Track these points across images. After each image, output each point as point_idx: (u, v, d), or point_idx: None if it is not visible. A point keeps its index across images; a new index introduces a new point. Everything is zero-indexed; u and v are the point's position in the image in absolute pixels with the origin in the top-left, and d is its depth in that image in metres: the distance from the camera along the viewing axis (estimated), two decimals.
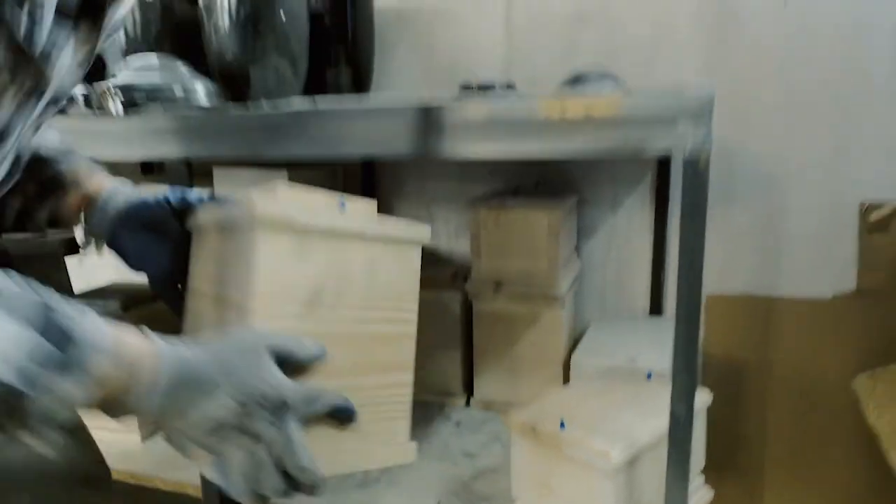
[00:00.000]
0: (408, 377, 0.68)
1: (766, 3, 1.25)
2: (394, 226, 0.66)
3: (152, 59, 1.07)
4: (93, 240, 0.74)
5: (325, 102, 0.97)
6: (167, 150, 0.90)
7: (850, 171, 1.25)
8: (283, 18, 1.05)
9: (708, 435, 1.04)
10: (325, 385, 0.53)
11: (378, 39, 1.39)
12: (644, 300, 1.40)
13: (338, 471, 0.61)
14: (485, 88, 1.02)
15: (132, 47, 1.20)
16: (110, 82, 0.97)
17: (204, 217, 0.70)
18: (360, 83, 1.35)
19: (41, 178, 0.72)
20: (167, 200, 0.72)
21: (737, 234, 1.34)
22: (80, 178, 0.73)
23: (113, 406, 0.46)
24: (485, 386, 1.30)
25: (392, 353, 0.66)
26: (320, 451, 0.51)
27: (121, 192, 0.73)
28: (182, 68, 1.06)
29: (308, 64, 1.14)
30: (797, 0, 1.23)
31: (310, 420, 0.52)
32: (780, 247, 1.32)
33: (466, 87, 1.03)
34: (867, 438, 1.09)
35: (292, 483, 0.50)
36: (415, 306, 0.68)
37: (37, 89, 0.48)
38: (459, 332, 1.31)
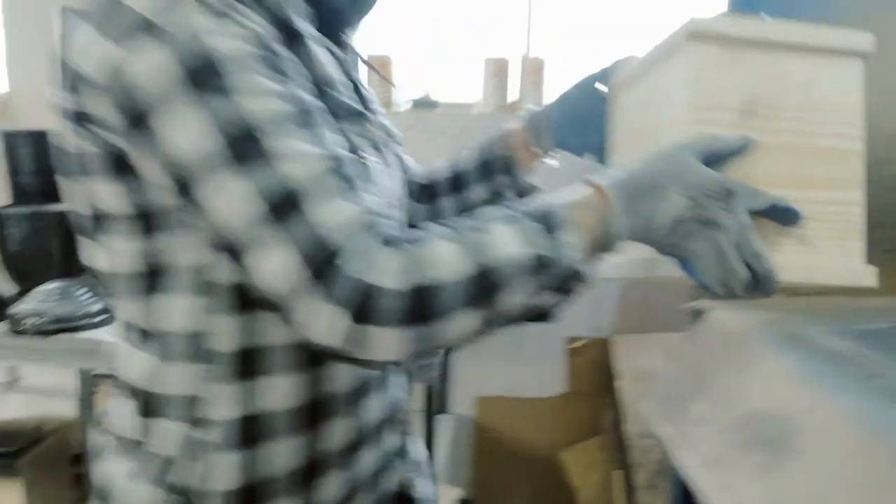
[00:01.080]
0: (857, 195, 0.66)
1: None
2: (831, 35, 0.65)
3: None
4: (546, 152, 0.86)
5: None
6: None
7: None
8: None
9: None
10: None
11: None
12: None
13: (790, 279, 0.60)
14: None
15: None
16: None
17: (618, 78, 0.78)
18: None
19: (468, 179, 0.86)
20: (589, 77, 0.82)
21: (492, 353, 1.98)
22: (499, 139, 0.86)
23: (602, 243, 0.56)
24: None
25: (836, 169, 0.64)
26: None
27: (541, 107, 0.85)
28: None
29: None
30: None
31: (753, 214, 0.56)
32: (522, 365, 2.00)
33: None
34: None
35: (752, 274, 0.56)
36: (859, 121, 0.65)
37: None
38: None
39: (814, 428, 0.80)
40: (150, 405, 0.59)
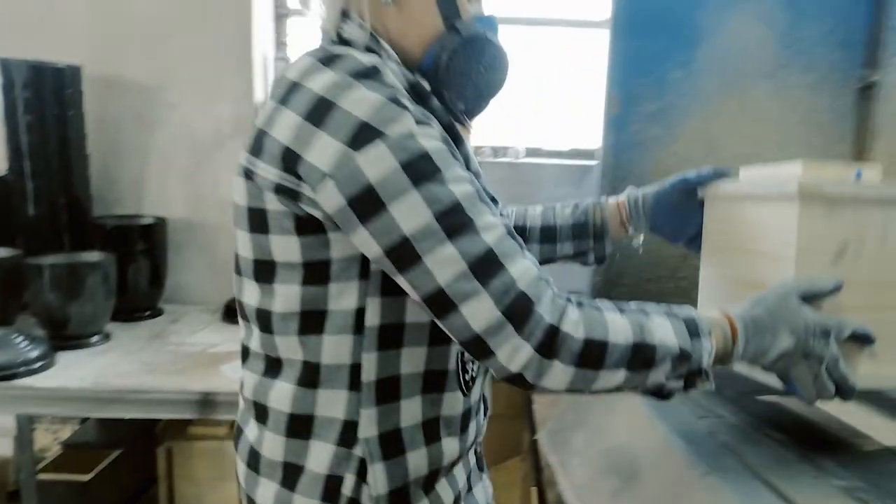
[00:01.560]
0: None
1: None
2: None
3: None
4: (638, 233, 0.95)
5: None
6: None
7: None
8: None
9: None
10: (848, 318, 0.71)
11: (172, 241, 1.84)
12: None
13: (864, 386, 0.73)
14: None
15: None
16: None
17: (718, 189, 0.87)
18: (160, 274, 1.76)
19: (563, 235, 0.95)
20: (684, 180, 0.91)
21: None
22: (595, 208, 0.95)
23: (721, 358, 0.67)
24: None
25: None
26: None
27: (639, 192, 0.94)
28: None
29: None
30: None
31: (840, 342, 0.70)
32: None
33: None
34: None
35: (837, 388, 0.70)
36: None
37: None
38: None
39: (653, 462, 0.97)
40: (301, 429, 0.68)
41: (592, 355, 0.61)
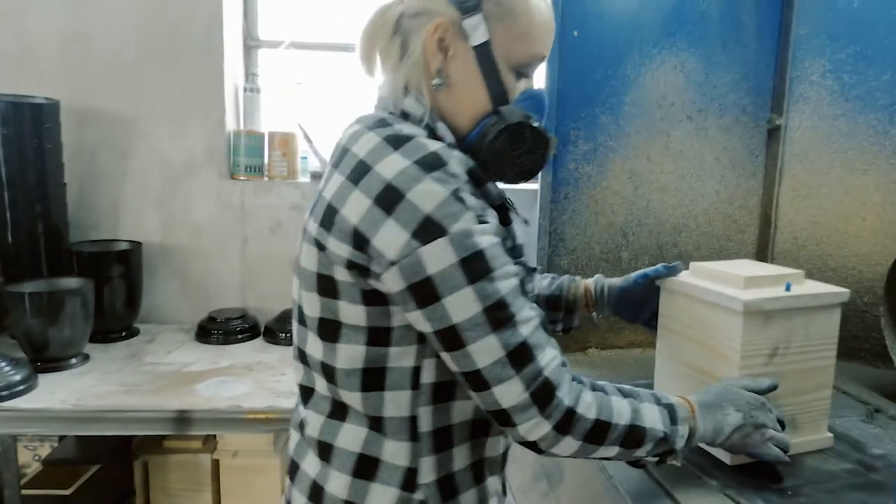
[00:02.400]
0: (828, 392, 1.00)
1: None
2: (825, 294, 0.97)
3: None
4: (598, 314, 1.09)
5: None
6: None
7: None
8: None
9: None
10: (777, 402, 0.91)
11: (146, 264, 1.94)
12: None
13: (790, 452, 0.91)
14: None
15: None
16: None
17: (674, 284, 1.04)
18: (135, 296, 1.86)
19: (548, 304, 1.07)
20: (645, 276, 1.06)
21: None
22: (571, 286, 1.08)
23: (691, 439, 0.80)
24: None
25: (819, 379, 0.99)
26: None
27: (605, 282, 1.08)
28: None
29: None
30: None
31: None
32: None
33: None
34: None
35: (779, 448, 0.85)
36: (835, 345, 0.99)
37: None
38: None
39: (575, 469, 1.12)
40: (366, 470, 0.75)
41: (598, 433, 0.73)
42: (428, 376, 0.74)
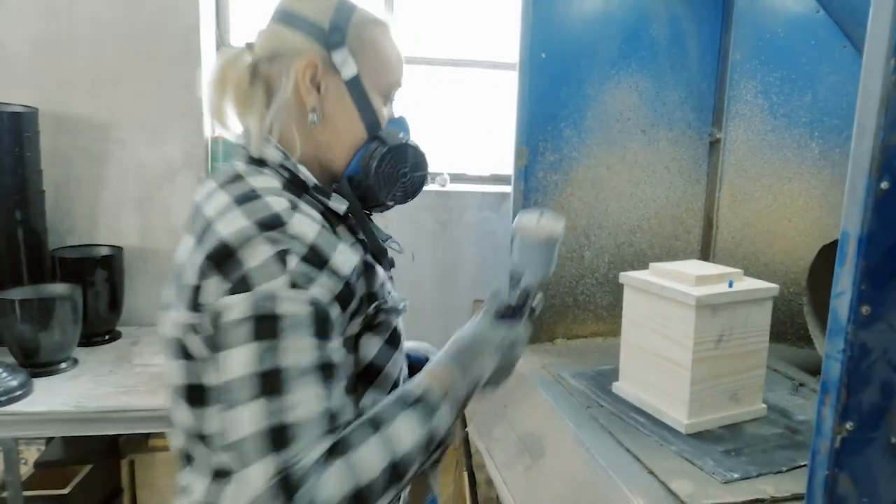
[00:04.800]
0: (762, 371, 1.20)
1: None
2: (759, 289, 1.16)
3: None
4: None
5: None
6: None
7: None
8: None
9: None
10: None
11: (127, 268, 1.98)
12: None
13: (729, 422, 1.15)
14: None
15: None
16: None
17: (637, 282, 1.22)
18: (117, 299, 1.92)
19: None
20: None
21: None
22: None
23: (455, 407, 0.72)
24: None
25: (755, 360, 1.18)
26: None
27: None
28: None
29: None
30: None
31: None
32: None
33: None
34: None
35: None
36: (767, 331, 1.19)
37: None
38: None
39: (554, 442, 1.28)
40: None
41: (358, 500, 0.62)
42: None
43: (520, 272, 0.82)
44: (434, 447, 0.71)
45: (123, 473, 1.94)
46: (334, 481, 0.61)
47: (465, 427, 1.62)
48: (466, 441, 1.82)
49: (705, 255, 1.80)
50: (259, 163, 0.76)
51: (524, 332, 0.83)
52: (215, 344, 0.66)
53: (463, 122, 2.48)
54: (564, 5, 1.59)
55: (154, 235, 2.10)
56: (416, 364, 0.92)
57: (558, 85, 1.62)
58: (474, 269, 2.31)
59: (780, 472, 1.02)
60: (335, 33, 0.76)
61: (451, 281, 2.33)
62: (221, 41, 2.24)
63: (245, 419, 0.61)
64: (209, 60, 2.13)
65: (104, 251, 1.98)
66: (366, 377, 0.77)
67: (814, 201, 1.68)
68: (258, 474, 0.60)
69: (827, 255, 1.33)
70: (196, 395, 0.72)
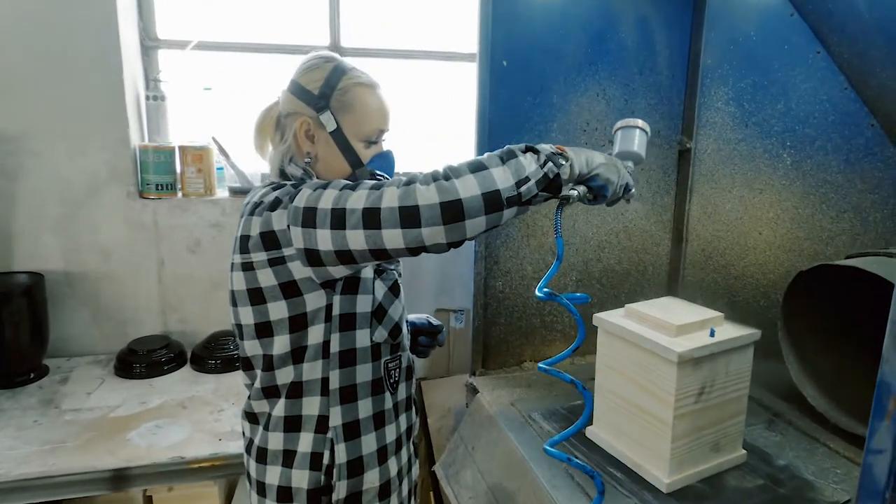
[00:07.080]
0: (743, 417, 1.15)
1: None
2: (741, 336, 1.11)
3: None
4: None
5: None
6: None
7: None
8: None
9: None
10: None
11: (50, 295, 1.79)
12: None
13: (710, 473, 1.10)
14: None
15: None
16: None
17: (611, 327, 1.14)
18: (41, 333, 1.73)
19: None
20: (412, 324, 1.20)
21: None
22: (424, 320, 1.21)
23: (566, 164, 0.85)
24: None
25: (736, 407, 1.13)
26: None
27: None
28: None
29: None
30: None
31: None
32: None
33: None
34: None
35: (627, 189, 0.93)
36: (748, 377, 1.14)
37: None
38: None
39: (524, 496, 1.21)
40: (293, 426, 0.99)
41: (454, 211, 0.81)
42: (335, 347, 0.96)
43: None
44: (540, 177, 0.83)
45: None
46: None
47: (432, 466, 1.53)
48: (434, 479, 1.72)
49: (674, 268, 1.73)
50: (284, 177, 1.04)
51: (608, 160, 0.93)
52: (303, 218, 0.88)
53: (420, 119, 2.33)
54: (526, 6, 1.45)
55: (79, 257, 1.89)
56: (420, 328, 1.21)
57: (522, 94, 1.49)
58: (437, 279, 2.20)
59: None
60: (321, 100, 1.01)
61: (414, 290, 2.21)
62: (146, 35, 2.01)
63: (357, 194, 0.85)
64: (130, 56, 1.91)
65: (22, 279, 1.77)
66: (376, 316, 1.00)
67: (785, 213, 1.62)
68: (391, 185, 0.84)
69: (805, 280, 1.27)
70: (264, 328, 0.95)
